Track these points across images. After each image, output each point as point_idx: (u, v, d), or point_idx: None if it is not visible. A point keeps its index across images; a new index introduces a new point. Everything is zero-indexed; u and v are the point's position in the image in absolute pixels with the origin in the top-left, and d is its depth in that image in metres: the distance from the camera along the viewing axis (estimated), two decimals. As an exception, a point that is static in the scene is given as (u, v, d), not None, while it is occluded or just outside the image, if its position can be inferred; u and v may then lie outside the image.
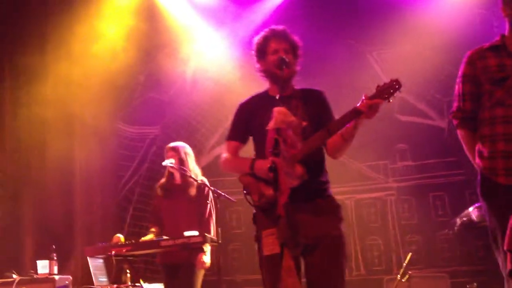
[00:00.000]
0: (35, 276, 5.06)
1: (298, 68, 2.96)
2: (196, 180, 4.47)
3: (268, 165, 2.43)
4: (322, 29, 6.16)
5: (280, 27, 2.95)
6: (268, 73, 2.90)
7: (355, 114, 2.62)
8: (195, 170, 4.60)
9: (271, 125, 2.58)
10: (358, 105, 2.61)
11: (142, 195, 6.99)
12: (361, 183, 6.34)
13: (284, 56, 2.80)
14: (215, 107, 6.99)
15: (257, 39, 2.96)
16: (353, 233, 6.23)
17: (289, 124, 2.59)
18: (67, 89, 6.36)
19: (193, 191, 4.48)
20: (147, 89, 7.16)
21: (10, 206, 6.01)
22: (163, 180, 4.67)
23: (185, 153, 4.58)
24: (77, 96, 6.45)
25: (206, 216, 4.44)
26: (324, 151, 2.89)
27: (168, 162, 4.47)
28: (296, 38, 2.96)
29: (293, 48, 2.91)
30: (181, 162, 4.51)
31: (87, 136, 6.66)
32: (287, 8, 6.56)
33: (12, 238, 6.09)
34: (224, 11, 6.83)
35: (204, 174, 4.80)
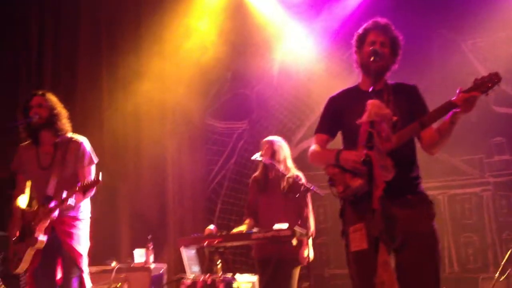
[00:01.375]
0: (132, 265, 5.33)
1: (395, 65, 2.89)
2: (288, 175, 4.46)
3: (362, 158, 2.39)
4: (413, 20, 5.97)
5: (383, 20, 2.90)
6: (361, 65, 2.86)
7: (449, 107, 2.54)
8: (288, 165, 4.60)
9: (364, 118, 2.54)
10: (453, 98, 2.52)
11: (231, 188, 7.13)
12: (454, 177, 6.10)
13: (378, 49, 2.76)
14: (302, 101, 6.99)
15: (359, 30, 2.94)
16: (446, 230, 6.02)
17: (383, 117, 2.54)
18: (159, 86, 6.62)
19: (286, 186, 4.48)
20: (235, 85, 7.28)
21: (108, 198, 6.32)
22: (257, 173, 4.70)
23: (278, 147, 4.59)
24: (169, 93, 6.69)
25: (303, 211, 4.42)
26: (416, 146, 2.82)
27: (258, 155, 4.51)
28: (398, 34, 2.89)
29: (392, 43, 2.85)
30: (273, 156, 4.53)
31: (178, 131, 6.90)
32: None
33: (109, 228, 6.43)
34: (310, 5, 6.80)
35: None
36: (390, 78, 2.95)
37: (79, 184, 3.64)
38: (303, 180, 4.52)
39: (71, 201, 3.65)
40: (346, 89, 3.01)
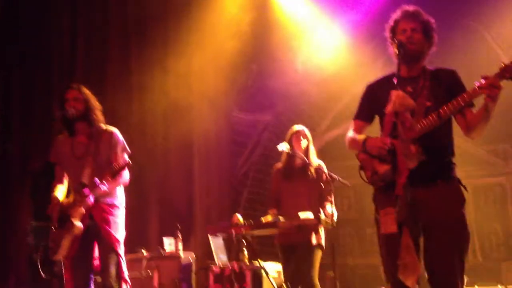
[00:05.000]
0: (162, 253, 5.46)
1: (431, 49, 2.90)
2: (317, 165, 4.57)
3: (387, 147, 2.48)
4: (437, 10, 5.96)
5: (411, 7, 2.91)
6: (396, 55, 2.83)
7: (468, 97, 2.57)
8: (312, 154, 4.70)
9: (388, 108, 2.63)
10: (475, 86, 2.54)
11: (256, 179, 7.26)
12: (478, 167, 6.12)
13: (403, 39, 2.80)
14: (326, 92, 7.07)
15: (389, 21, 2.95)
16: (469, 219, 6.01)
17: (407, 107, 2.62)
18: (186, 78, 6.74)
19: (312, 174, 4.58)
20: (260, 77, 7.37)
21: (136, 187, 6.46)
22: (281, 163, 4.78)
23: (304, 136, 4.68)
24: (196, 86, 6.82)
25: (325, 198, 4.53)
26: (451, 131, 2.85)
27: (283, 145, 4.59)
28: (429, 18, 2.89)
29: (424, 28, 2.86)
30: (299, 145, 4.62)
31: (204, 123, 7.02)
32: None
33: (138, 217, 6.58)
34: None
35: (315, 158, 4.89)
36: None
37: (108, 169, 3.76)
38: (325, 169, 4.61)
39: (103, 187, 3.78)
40: (383, 76, 3.02)
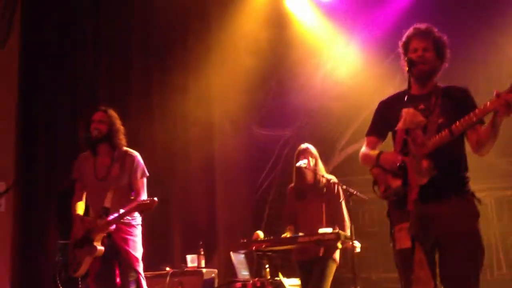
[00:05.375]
0: (185, 269, 5.55)
1: (444, 65, 2.94)
2: (327, 179, 4.62)
3: (398, 163, 2.51)
4: (456, 24, 5.96)
5: (423, 25, 2.94)
6: (407, 72, 2.86)
7: (481, 113, 2.58)
8: (323, 170, 4.76)
9: (400, 125, 2.67)
10: (488, 102, 2.55)
11: (277, 194, 7.28)
12: (500, 179, 6.06)
13: (420, 54, 2.84)
14: (346, 107, 7.08)
15: (402, 38, 2.99)
16: (493, 232, 5.99)
17: (418, 124, 2.66)
18: (207, 97, 6.85)
19: (324, 190, 4.62)
20: (279, 94, 7.43)
21: (161, 207, 6.55)
22: (294, 182, 4.84)
23: (315, 154, 4.75)
24: (215, 104, 6.92)
25: (339, 214, 4.56)
26: (465, 146, 2.86)
27: (302, 163, 4.65)
28: (441, 35, 2.93)
29: (436, 46, 2.89)
30: (313, 162, 4.68)
31: (225, 140, 7.10)
32: (418, 3, 6.46)
33: (163, 235, 6.69)
34: (353, 14, 6.88)
35: (336, 172, 4.94)
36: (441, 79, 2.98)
37: (136, 203, 3.90)
38: (336, 183, 4.65)
39: (127, 217, 3.97)
40: (396, 94, 3.06)
